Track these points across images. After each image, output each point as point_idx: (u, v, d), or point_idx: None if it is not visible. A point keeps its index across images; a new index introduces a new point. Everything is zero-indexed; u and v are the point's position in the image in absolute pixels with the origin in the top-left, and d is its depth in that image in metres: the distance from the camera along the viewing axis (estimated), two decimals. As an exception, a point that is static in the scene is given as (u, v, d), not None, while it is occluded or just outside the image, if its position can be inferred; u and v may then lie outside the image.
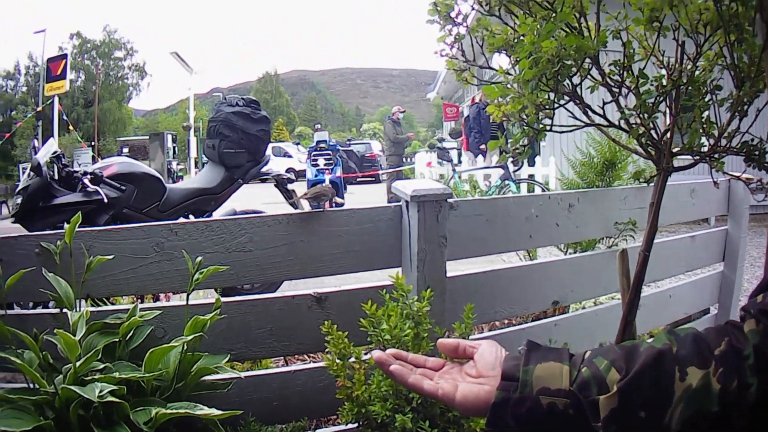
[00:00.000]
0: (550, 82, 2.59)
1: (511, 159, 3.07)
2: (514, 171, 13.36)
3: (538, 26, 2.52)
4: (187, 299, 2.67)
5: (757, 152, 2.57)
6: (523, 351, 1.44)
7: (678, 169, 2.76)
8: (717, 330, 1.35)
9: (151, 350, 2.39)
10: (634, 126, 2.68)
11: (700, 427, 1.26)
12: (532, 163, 15.71)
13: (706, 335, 1.34)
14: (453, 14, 2.88)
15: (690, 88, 2.58)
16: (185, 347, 2.51)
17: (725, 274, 4.99)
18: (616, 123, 2.76)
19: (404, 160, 24.68)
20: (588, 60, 2.57)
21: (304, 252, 3.02)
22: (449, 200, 3.05)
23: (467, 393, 1.41)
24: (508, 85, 2.76)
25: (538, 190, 13.88)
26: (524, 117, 2.79)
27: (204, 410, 2.31)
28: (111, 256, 2.68)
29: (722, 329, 1.34)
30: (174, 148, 37.77)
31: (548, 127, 2.84)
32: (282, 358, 4.58)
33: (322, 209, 3.05)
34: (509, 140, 2.99)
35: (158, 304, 3.61)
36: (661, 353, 1.31)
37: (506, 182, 13.30)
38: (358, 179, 33.40)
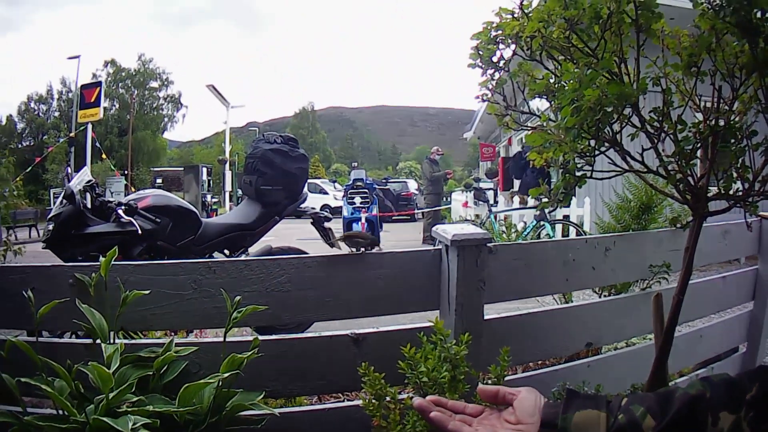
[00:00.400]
0: (591, 129, 2.60)
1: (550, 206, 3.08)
2: (549, 212, 13.31)
3: (581, 73, 2.53)
4: (224, 337, 2.68)
5: (790, 196, 2.57)
6: (560, 392, 1.47)
7: (713, 213, 2.76)
8: (749, 375, 1.36)
9: (186, 385, 2.39)
10: (672, 172, 2.69)
11: None
12: (567, 204, 15.56)
13: (738, 380, 1.36)
14: (495, 59, 2.90)
15: (726, 133, 2.58)
16: (221, 383, 2.51)
17: (754, 312, 4.97)
18: (655, 169, 2.76)
19: (443, 198, 24.68)
20: (628, 107, 2.58)
21: (343, 293, 3.02)
22: (488, 245, 3.06)
23: None
24: (549, 131, 2.78)
25: (573, 232, 13.84)
26: (565, 163, 2.80)
27: (238, 446, 2.31)
28: (147, 291, 2.68)
29: (754, 374, 1.36)
30: (209, 180, 38.00)
31: (588, 174, 2.85)
32: (316, 395, 4.59)
33: (361, 252, 3.06)
34: (552, 185, 3.00)
35: (193, 339, 3.62)
36: (695, 399, 1.33)
37: (541, 223, 13.27)
38: (394, 218, 33.42)
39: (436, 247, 3.14)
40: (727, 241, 4.58)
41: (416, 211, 27.43)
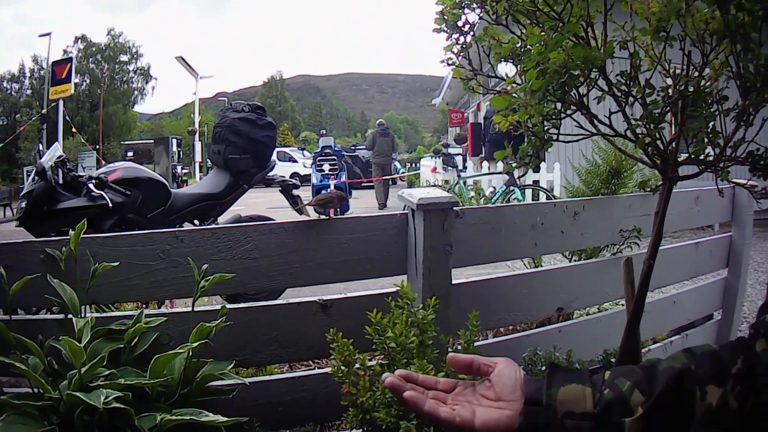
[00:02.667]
0: (557, 92, 2.58)
1: (517, 168, 3.07)
2: (519, 177, 13.31)
3: (546, 36, 2.52)
4: (193, 306, 2.67)
5: (762, 161, 2.55)
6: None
7: (683, 178, 2.75)
8: (732, 347, 1.35)
9: (156, 357, 2.39)
10: (640, 136, 2.68)
11: None
12: (536, 169, 15.62)
13: (722, 352, 1.34)
14: (460, 23, 2.88)
15: (696, 98, 2.57)
16: (190, 354, 2.50)
17: (729, 280, 5.00)
18: (623, 132, 2.75)
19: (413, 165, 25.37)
20: (595, 70, 2.56)
21: (311, 259, 3.01)
22: (455, 208, 3.05)
23: (487, 419, 1.38)
24: (515, 95, 2.76)
25: (542, 197, 13.83)
26: (531, 126, 2.78)
27: (209, 417, 2.30)
28: (116, 263, 2.67)
29: (736, 346, 1.34)
30: (179, 152, 37.89)
31: (555, 137, 2.84)
32: (287, 364, 4.59)
33: (328, 217, 3.05)
34: (517, 149, 2.99)
35: (163, 310, 3.61)
36: (682, 373, 1.31)
37: (511, 188, 13.25)
38: (363, 184, 33.39)
39: (402, 212, 3.13)
40: (699, 207, 4.59)
41: (391, 176, 27.40)
